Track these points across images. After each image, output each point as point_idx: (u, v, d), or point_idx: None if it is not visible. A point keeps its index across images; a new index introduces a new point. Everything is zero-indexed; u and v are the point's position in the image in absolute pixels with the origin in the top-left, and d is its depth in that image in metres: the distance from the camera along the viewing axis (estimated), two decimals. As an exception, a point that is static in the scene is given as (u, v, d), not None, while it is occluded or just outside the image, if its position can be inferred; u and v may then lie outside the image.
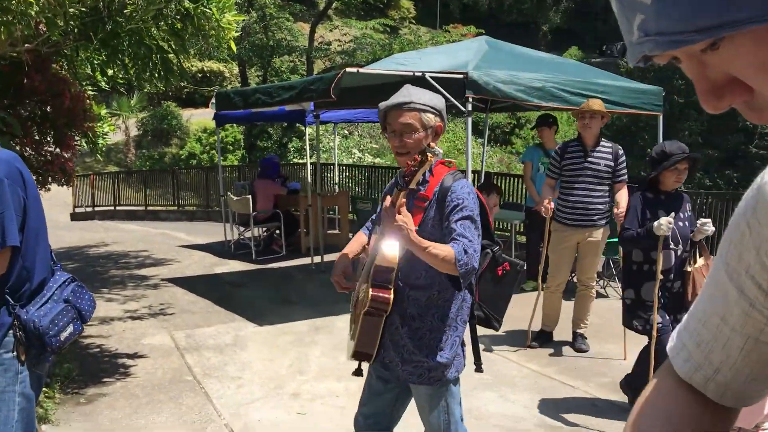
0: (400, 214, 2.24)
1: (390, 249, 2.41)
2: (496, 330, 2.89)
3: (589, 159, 5.34)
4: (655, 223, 3.93)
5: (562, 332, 5.84)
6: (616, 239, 5.99)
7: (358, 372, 2.70)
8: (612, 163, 5.35)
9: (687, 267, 4.10)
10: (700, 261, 4.11)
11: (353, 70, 6.09)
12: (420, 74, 6.21)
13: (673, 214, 3.95)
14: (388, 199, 2.27)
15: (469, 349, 2.72)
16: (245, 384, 4.82)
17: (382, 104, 2.46)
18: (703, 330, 0.80)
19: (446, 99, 6.33)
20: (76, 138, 5.34)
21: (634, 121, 22.44)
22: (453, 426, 2.61)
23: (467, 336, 2.68)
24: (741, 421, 0.91)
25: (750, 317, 0.74)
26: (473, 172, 11.24)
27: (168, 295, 7.44)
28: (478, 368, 2.69)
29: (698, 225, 4.06)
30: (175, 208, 15.79)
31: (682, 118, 22.96)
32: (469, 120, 6.40)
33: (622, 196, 5.30)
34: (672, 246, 4.09)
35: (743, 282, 0.73)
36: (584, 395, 4.67)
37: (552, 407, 4.45)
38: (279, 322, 6.20)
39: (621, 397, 4.63)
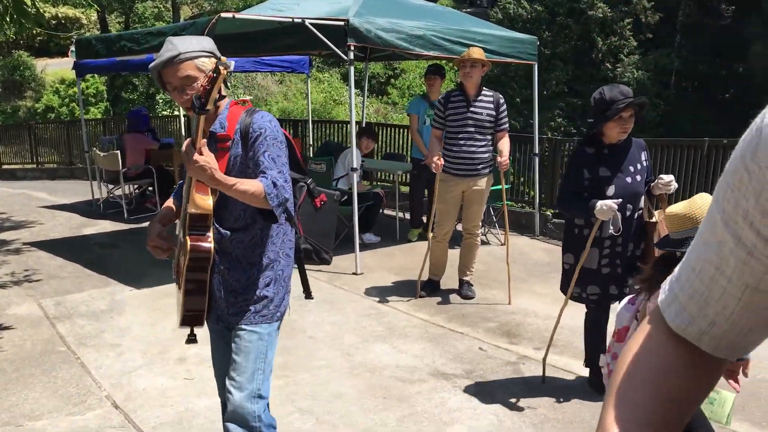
0: (202, 154, 2.16)
1: (202, 195, 2.34)
2: (328, 263, 2.91)
3: (472, 108, 5.35)
4: (597, 206, 3.45)
5: (448, 280, 5.93)
6: (498, 187, 6.11)
7: (191, 339, 2.56)
8: (494, 112, 5.38)
9: (651, 217, 3.68)
10: (656, 215, 3.67)
11: (228, 15, 5.75)
12: (300, 21, 5.96)
13: (620, 200, 3.45)
14: (188, 142, 2.19)
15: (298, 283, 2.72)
16: (125, 351, 4.55)
17: (152, 65, 2.34)
18: (696, 281, 0.75)
19: (327, 47, 6.16)
20: None
21: (504, 70, 23.00)
22: (261, 376, 2.50)
23: (295, 274, 2.68)
24: None
25: (748, 266, 0.69)
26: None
27: (32, 260, 6.90)
28: (308, 295, 2.74)
29: (660, 182, 3.60)
30: (34, 166, 14.63)
31: (550, 68, 23.77)
32: (351, 69, 6.24)
33: (505, 145, 5.37)
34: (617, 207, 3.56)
35: (740, 229, 0.69)
36: (473, 341, 4.76)
37: (443, 355, 4.50)
38: (158, 284, 5.89)
39: (508, 342, 4.76)
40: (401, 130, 10.13)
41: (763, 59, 22.63)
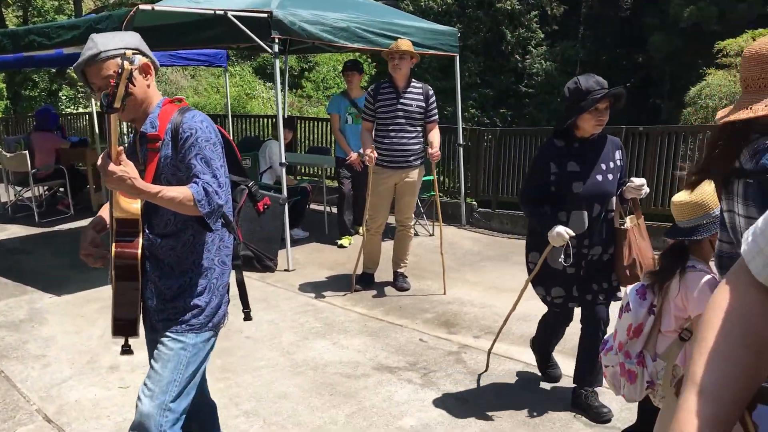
0: (119, 163, 2.02)
1: (128, 198, 2.21)
2: (272, 270, 2.75)
3: (402, 100, 5.35)
4: (552, 231, 3.26)
5: (382, 273, 5.92)
6: (430, 177, 6.15)
7: (126, 350, 2.40)
8: (423, 104, 5.41)
9: (622, 224, 3.41)
10: (627, 221, 3.41)
11: (147, 7, 5.51)
12: (222, 13, 5.79)
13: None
14: (103, 155, 2.04)
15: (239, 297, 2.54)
16: (52, 362, 4.31)
17: (75, 64, 2.20)
18: None
19: (250, 39, 6.02)
20: None
21: (417, 62, 23.17)
22: (176, 388, 2.30)
23: (233, 283, 2.50)
24: None
25: None
26: (271, 116, 10.98)
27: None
28: (247, 316, 2.54)
29: (630, 185, 3.35)
30: (-73, 169, 13.70)
31: (462, 59, 24.08)
32: (276, 62, 6.12)
33: (435, 136, 5.41)
34: (584, 206, 3.36)
35: None
36: (413, 333, 4.76)
37: (385, 348, 4.49)
38: (80, 290, 5.62)
39: (446, 332, 4.79)
40: (323, 124, 10.03)
41: (661, 49, 23.68)
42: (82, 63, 2.17)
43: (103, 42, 2.18)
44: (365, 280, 5.78)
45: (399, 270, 5.77)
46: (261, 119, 11.26)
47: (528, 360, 4.16)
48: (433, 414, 3.58)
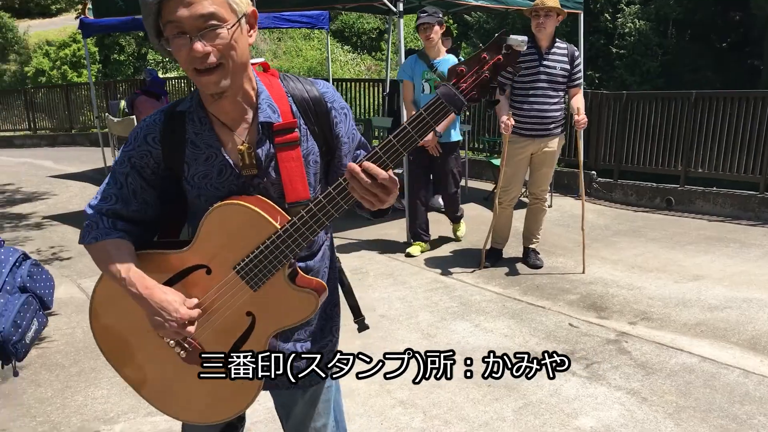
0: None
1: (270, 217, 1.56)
2: None
3: (545, 62, 4.92)
4: None
5: (509, 248, 5.57)
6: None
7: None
8: (568, 66, 4.97)
9: None
10: None
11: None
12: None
13: None
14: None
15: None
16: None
17: None
18: None
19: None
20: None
21: (524, 21, 22.37)
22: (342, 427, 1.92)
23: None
24: None
25: None
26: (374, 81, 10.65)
27: (57, 235, 6.44)
28: (362, 325, 1.85)
29: None
30: (30, 132, 14.01)
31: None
32: (401, 22, 5.77)
33: (579, 101, 4.98)
34: None
35: None
36: (559, 316, 4.41)
37: (533, 333, 4.15)
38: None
39: (597, 316, 4.42)
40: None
41: (765, 7, 22.16)
42: None
43: None
44: (493, 256, 5.44)
45: (531, 246, 5.41)
46: (364, 83, 10.96)
47: (702, 353, 3.76)
48: (613, 414, 3.23)
